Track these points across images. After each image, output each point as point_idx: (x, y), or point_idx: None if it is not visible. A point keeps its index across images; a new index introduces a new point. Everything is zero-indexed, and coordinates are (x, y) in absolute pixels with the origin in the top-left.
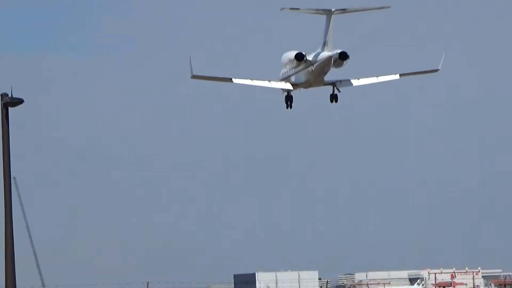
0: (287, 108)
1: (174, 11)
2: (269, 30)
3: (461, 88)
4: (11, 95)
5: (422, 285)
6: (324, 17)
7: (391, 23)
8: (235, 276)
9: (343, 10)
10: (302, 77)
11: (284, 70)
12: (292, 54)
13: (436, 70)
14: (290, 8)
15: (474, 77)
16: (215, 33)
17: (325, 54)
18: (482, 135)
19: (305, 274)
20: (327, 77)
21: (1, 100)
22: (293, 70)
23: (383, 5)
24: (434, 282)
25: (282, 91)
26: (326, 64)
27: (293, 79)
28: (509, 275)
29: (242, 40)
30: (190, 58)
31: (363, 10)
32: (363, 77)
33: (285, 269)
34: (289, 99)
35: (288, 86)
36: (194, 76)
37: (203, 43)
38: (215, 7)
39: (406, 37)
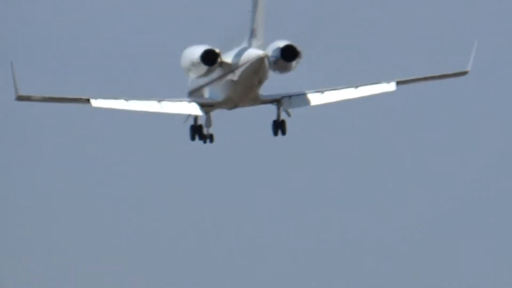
0: (205, 142)
1: None
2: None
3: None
4: None
5: None
6: None
7: None
8: None
9: None
10: (220, 91)
11: (192, 78)
12: (196, 52)
13: (465, 73)
14: None
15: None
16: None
17: (254, 52)
18: None
19: None
20: (266, 91)
21: None
22: (204, 79)
23: None
24: None
25: (185, 118)
26: (256, 70)
27: (205, 93)
28: None
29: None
30: (12, 65)
31: None
32: (330, 89)
33: None
34: (197, 130)
35: (193, 109)
36: (20, 97)
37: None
38: None
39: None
